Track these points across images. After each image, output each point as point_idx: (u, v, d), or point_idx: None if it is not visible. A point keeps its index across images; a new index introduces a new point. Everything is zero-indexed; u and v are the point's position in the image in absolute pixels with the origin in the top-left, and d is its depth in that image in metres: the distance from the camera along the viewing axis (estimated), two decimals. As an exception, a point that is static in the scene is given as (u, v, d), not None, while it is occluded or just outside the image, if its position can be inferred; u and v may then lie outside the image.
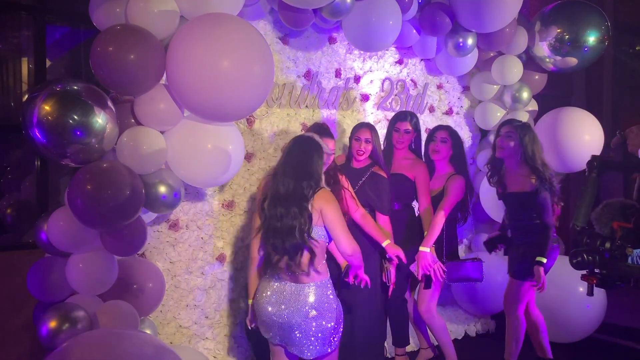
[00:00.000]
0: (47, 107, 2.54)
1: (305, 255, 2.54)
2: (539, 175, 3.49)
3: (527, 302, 3.75)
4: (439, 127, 3.78)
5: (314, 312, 2.53)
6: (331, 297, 2.61)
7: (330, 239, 2.63)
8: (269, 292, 2.61)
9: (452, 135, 3.68)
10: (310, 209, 2.54)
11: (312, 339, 2.55)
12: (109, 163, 2.76)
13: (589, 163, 1.59)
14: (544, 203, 3.48)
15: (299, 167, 2.60)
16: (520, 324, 3.75)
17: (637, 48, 7.82)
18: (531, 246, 3.54)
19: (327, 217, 2.57)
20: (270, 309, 2.58)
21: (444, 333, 3.73)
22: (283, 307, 2.55)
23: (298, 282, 2.57)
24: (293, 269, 2.55)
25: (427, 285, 3.59)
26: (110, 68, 2.69)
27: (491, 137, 4.17)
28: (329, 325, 2.56)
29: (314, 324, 2.53)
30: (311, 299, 2.55)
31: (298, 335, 2.54)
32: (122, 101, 2.96)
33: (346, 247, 2.59)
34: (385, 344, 4.00)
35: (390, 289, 3.46)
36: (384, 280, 3.46)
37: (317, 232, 2.58)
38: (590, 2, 4.40)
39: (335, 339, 2.62)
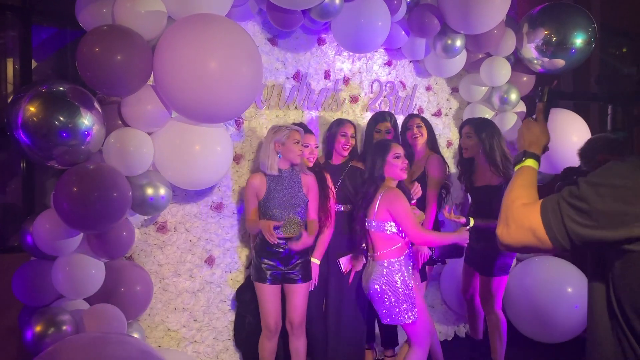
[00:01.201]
0: (32, 108, 2.52)
1: (369, 242, 3.22)
2: (497, 169, 3.62)
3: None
4: (411, 116, 3.96)
5: (376, 286, 3.09)
6: (388, 276, 3.08)
7: (400, 231, 3.11)
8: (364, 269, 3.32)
9: (424, 120, 3.89)
10: (375, 207, 3.12)
11: (381, 307, 3.12)
12: (95, 165, 2.74)
13: (536, 93, 1.71)
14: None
15: (367, 173, 3.25)
16: (500, 319, 3.83)
17: (623, 50, 7.89)
18: (494, 242, 3.58)
19: (394, 215, 3.08)
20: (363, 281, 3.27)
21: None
22: (366, 279, 3.20)
23: (374, 260, 3.17)
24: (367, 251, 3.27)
25: (424, 278, 3.64)
26: (97, 69, 2.66)
27: None
28: (386, 300, 3.08)
29: (378, 296, 3.10)
30: (375, 274, 3.11)
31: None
32: (109, 102, 2.94)
33: (413, 239, 3.10)
34: (375, 346, 4.00)
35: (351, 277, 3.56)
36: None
37: (379, 226, 3.12)
38: (578, 4, 4.43)
39: (399, 315, 3.08)
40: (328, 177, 3.51)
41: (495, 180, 3.65)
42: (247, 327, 3.53)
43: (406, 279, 3.09)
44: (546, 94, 1.71)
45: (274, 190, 3.27)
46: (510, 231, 1.39)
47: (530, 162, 1.56)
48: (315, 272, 3.41)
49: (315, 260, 3.43)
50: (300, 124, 3.61)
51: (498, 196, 3.51)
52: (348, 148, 3.64)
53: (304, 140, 3.38)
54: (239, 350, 3.70)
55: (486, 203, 3.64)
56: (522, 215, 1.37)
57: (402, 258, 3.12)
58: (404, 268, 3.10)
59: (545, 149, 1.63)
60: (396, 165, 3.16)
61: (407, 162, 3.23)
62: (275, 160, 3.26)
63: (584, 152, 2.91)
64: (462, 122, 4.02)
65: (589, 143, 2.91)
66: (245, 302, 3.50)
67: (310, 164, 3.46)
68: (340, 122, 3.71)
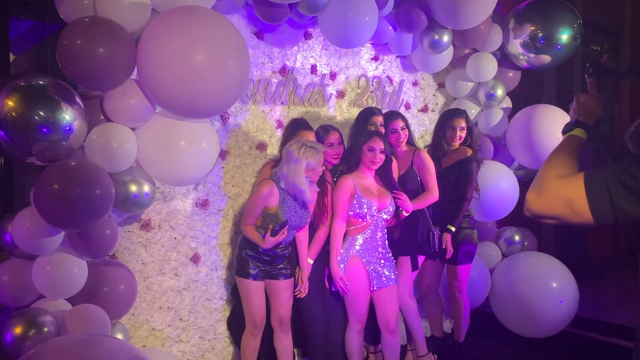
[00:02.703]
0: (10, 103, 2.43)
1: None
2: (473, 148, 3.92)
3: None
4: (392, 117, 3.82)
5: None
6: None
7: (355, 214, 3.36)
8: None
9: (404, 119, 3.84)
10: None
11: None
12: (77, 161, 2.65)
13: (585, 69, 1.75)
14: (471, 172, 3.82)
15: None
16: (466, 304, 4.02)
17: (605, 46, 7.98)
18: (459, 229, 3.87)
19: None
20: None
21: (414, 317, 3.79)
22: None
23: None
24: None
25: (415, 267, 3.72)
26: (78, 62, 2.57)
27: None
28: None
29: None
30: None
31: None
32: (90, 97, 2.86)
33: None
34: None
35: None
36: None
37: None
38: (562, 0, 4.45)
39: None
40: (328, 172, 3.46)
41: (462, 156, 3.88)
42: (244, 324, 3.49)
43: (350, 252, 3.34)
44: (595, 70, 1.75)
45: (286, 207, 3.15)
46: (542, 200, 1.35)
47: (578, 132, 1.55)
48: (307, 272, 3.35)
49: (308, 260, 3.36)
50: (301, 120, 3.54)
51: (467, 170, 3.80)
52: (337, 156, 3.57)
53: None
54: (237, 347, 3.66)
55: (454, 181, 3.83)
56: (559, 186, 1.33)
57: (356, 236, 3.35)
58: (355, 245, 3.34)
59: (598, 122, 1.63)
60: (367, 157, 3.34)
61: (380, 157, 3.33)
62: (309, 187, 3.11)
63: (634, 136, 2.90)
64: (451, 112, 4.02)
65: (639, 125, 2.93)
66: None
67: None
68: (325, 130, 3.61)
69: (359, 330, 3.41)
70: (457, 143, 3.94)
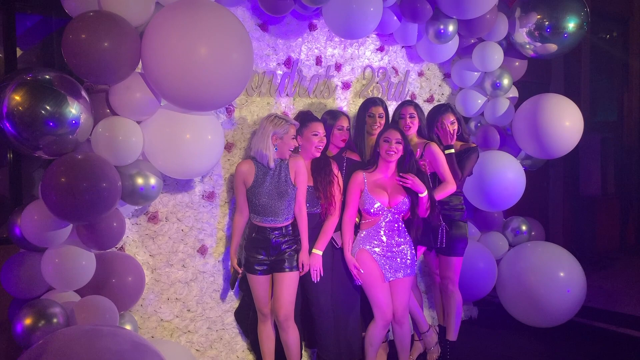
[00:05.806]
0: (17, 97, 2.45)
1: None
2: (467, 140, 3.99)
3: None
4: (403, 104, 3.86)
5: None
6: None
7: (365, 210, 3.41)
8: None
9: (416, 108, 3.82)
10: None
11: None
12: (84, 154, 2.68)
13: None
14: (468, 160, 3.82)
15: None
16: (458, 298, 3.93)
17: (614, 34, 7.90)
18: (454, 221, 3.83)
19: None
20: None
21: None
22: None
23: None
24: None
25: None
26: (84, 56, 2.59)
27: (441, 121, 3.94)
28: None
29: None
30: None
31: None
32: (96, 91, 2.88)
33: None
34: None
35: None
36: None
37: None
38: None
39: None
40: (334, 164, 3.47)
41: (459, 147, 3.89)
42: (252, 315, 3.53)
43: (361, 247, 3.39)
44: None
45: (262, 179, 3.25)
46: None
47: None
48: (318, 263, 3.34)
49: (317, 252, 3.35)
50: (308, 112, 3.56)
51: (466, 157, 3.81)
52: (344, 140, 3.60)
53: (314, 128, 3.38)
54: (244, 337, 3.72)
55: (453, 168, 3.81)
56: None
57: (365, 229, 3.40)
58: (363, 238, 3.40)
59: None
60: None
61: (396, 147, 3.32)
62: (273, 153, 3.22)
63: None
64: (438, 110, 3.94)
65: None
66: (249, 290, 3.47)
67: (318, 154, 3.41)
68: (334, 115, 3.62)
69: (383, 326, 3.41)
70: (454, 138, 3.86)
